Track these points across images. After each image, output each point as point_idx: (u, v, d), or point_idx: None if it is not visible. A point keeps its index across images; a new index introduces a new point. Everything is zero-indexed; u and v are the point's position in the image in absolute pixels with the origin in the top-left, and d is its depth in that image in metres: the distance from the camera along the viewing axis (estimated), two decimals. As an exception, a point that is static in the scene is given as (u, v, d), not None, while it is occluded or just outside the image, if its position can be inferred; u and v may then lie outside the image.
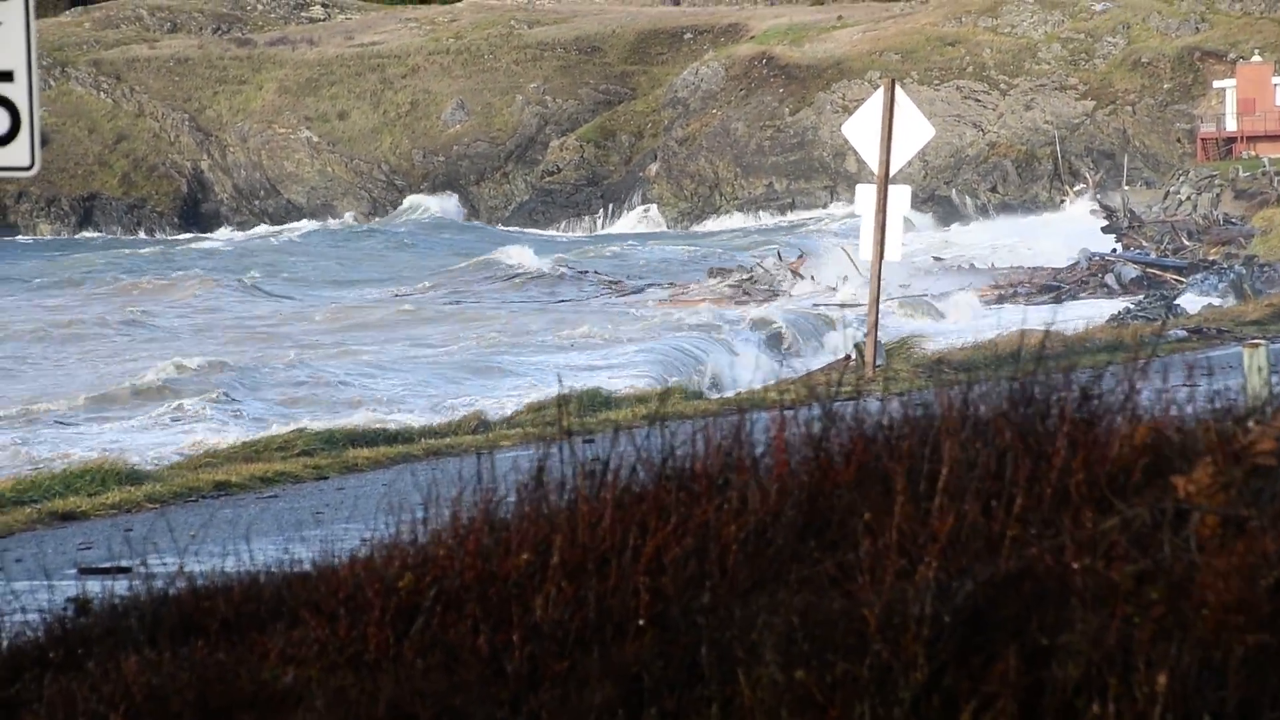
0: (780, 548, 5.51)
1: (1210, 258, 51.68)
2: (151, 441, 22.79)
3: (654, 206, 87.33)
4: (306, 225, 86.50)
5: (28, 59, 6.80)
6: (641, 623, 5.40)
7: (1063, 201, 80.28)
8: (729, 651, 5.06)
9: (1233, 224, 60.67)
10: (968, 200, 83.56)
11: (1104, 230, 64.05)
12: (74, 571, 10.87)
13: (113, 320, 45.77)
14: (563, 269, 57.86)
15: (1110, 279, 48.32)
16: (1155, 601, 4.94)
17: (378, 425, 19.37)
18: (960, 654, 4.94)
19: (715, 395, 21.16)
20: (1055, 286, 48.43)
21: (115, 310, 48.41)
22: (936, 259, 54.77)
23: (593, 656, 5.38)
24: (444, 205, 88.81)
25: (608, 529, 5.72)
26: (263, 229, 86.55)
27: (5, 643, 6.33)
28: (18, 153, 6.85)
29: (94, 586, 6.90)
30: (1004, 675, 4.89)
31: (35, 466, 17.57)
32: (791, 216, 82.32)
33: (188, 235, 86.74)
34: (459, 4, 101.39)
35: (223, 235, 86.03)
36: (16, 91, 6.81)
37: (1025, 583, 5.03)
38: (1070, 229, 65.00)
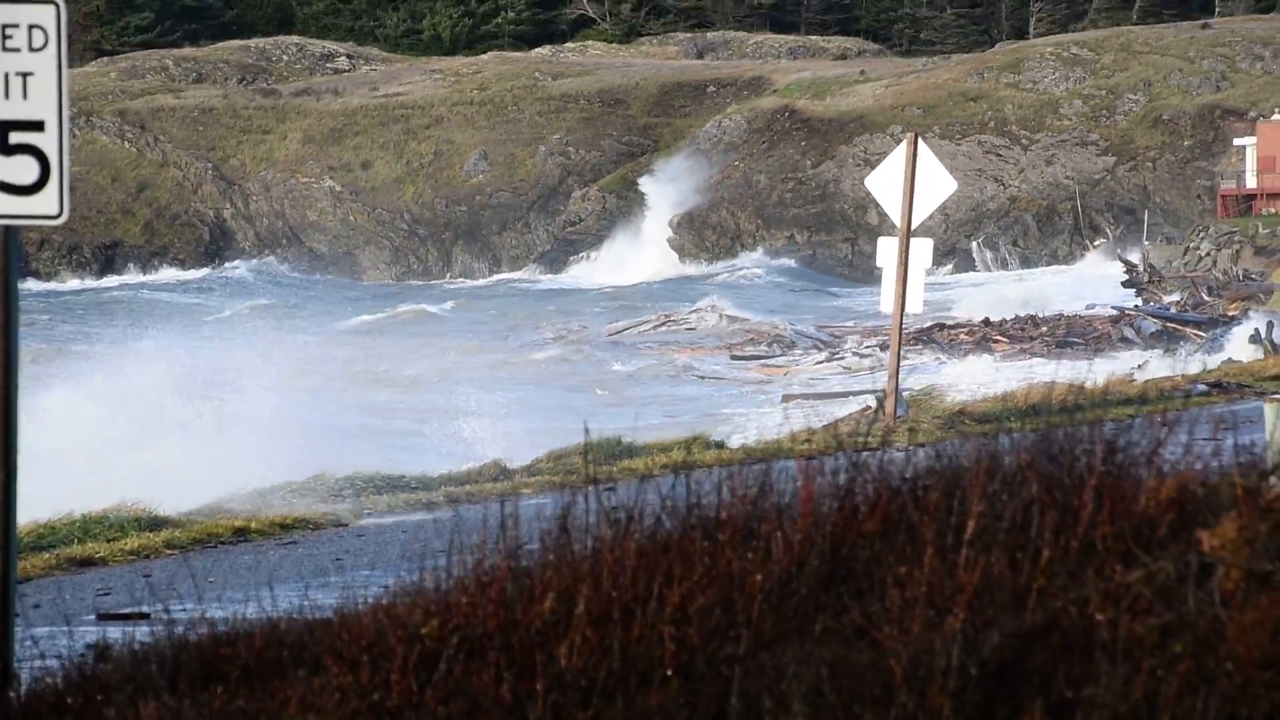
0: (805, 597, 5.49)
1: (1230, 313, 51.61)
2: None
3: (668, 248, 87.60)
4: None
5: (59, 109, 6.85)
6: (668, 673, 5.38)
7: (1084, 255, 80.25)
8: (756, 702, 5.04)
9: (1252, 280, 60.65)
10: (988, 254, 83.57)
11: (1124, 284, 64.01)
12: (93, 617, 10.87)
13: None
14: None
15: (1130, 332, 48.26)
16: (1180, 655, 4.92)
17: (397, 472, 19.36)
18: (986, 706, 4.92)
19: (738, 444, 21.13)
20: (1071, 342, 48.32)
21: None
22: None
23: (617, 706, 5.36)
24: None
25: (632, 577, 5.71)
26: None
27: (24, 689, 6.32)
28: (47, 201, 6.88)
29: (114, 633, 6.90)
30: (1030, 728, 4.86)
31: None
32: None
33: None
34: (483, 56, 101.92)
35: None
36: (47, 141, 6.85)
37: (1051, 635, 5.01)
38: (1090, 283, 64.81)
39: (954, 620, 5.05)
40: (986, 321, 52.81)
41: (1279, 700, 4.98)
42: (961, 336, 50.09)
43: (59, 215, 6.90)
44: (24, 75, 6.80)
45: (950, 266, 79.77)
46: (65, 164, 6.88)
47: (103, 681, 6.08)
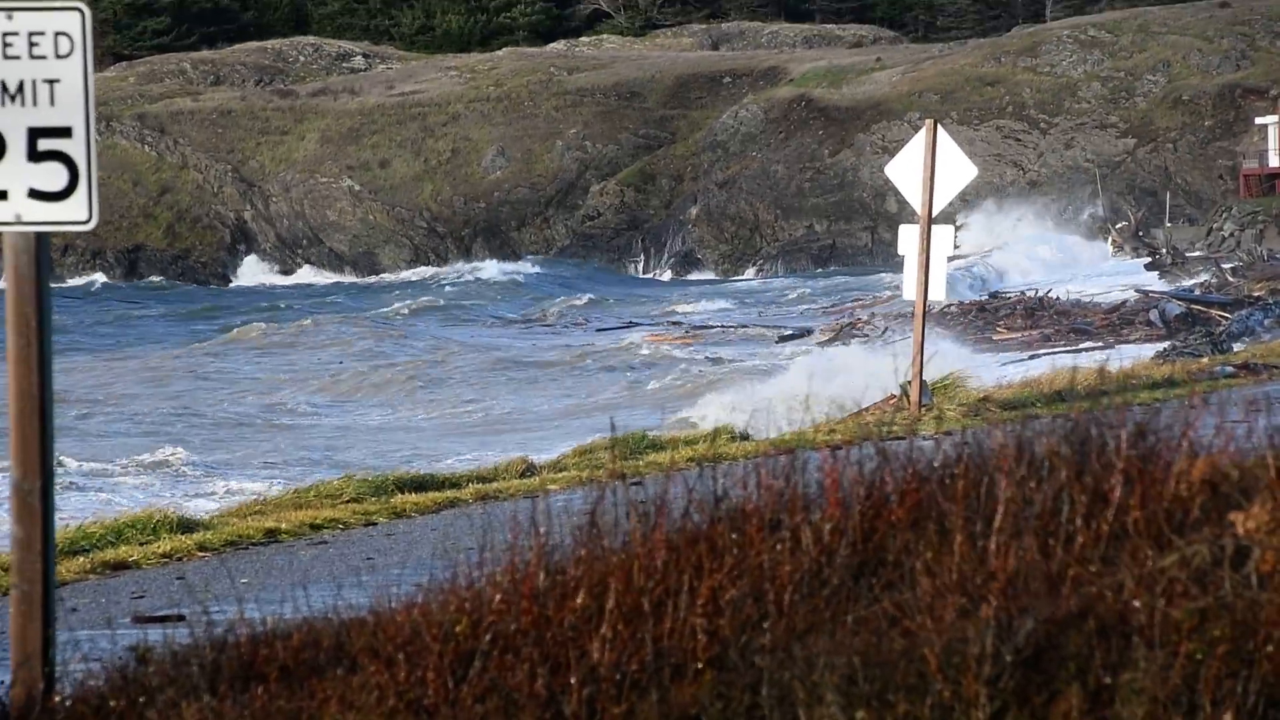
0: (836, 588, 5.51)
1: (1255, 294, 51.43)
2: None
3: (694, 248, 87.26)
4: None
5: (86, 115, 6.89)
6: (699, 665, 5.40)
7: (1106, 238, 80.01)
8: (789, 692, 5.06)
9: (1277, 259, 60.43)
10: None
11: (1147, 267, 63.84)
12: (129, 620, 10.93)
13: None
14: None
15: (1154, 315, 48.10)
16: (1219, 639, 4.93)
17: (426, 471, 19.42)
18: (1022, 692, 4.93)
19: (763, 435, 21.13)
20: (1086, 328, 48.10)
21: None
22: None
23: (651, 699, 5.39)
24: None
25: (663, 571, 5.73)
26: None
27: (69, 692, 6.37)
28: (76, 208, 6.92)
29: (154, 635, 6.95)
30: (1067, 714, 4.88)
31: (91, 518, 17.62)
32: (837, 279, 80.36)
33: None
34: (499, 52, 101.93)
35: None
36: (75, 147, 6.89)
37: (1086, 621, 5.02)
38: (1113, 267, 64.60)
39: (987, 608, 5.07)
40: (982, 307, 52.65)
41: (1314, 680, 4.98)
42: (964, 324, 49.92)
43: (88, 221, 6.94)
44: (51, 82, 6.84)
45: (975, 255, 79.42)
46: (93, 170, 6.92)
47: (144, 684, 6.12)
